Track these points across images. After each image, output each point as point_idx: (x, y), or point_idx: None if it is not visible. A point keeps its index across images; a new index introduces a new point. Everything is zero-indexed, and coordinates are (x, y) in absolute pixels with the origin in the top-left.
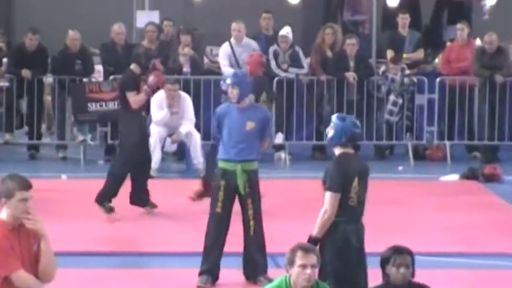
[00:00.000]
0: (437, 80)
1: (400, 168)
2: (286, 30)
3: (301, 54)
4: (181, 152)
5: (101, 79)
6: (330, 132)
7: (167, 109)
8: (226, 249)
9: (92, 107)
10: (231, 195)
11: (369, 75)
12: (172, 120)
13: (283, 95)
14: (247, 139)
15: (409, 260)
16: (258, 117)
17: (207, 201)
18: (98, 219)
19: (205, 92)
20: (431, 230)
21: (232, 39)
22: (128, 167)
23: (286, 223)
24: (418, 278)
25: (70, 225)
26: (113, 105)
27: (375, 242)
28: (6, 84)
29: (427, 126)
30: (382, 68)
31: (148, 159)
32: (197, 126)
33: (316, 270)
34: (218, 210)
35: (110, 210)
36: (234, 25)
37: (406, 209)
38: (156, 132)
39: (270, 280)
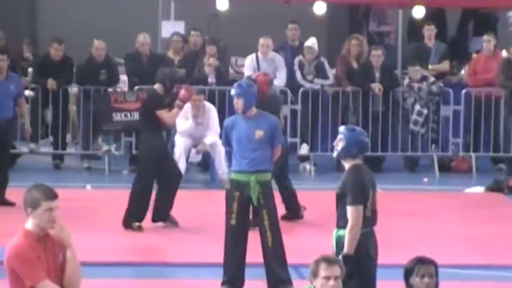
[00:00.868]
0: (463, 91)
1: (425, 180)
2: (311, 41)
3: (326, 65)
4: (206, 163)
5: (125, 89)
6: (340, 144)
7: (192, 120)
8: (252, 259)
9: (117, 117)
10: (246, 206)
11: (395, 86)
12: (197, 130)
13: (309, 106)
14: (257, 148)
15: (433, 269)
16: (266, 125)
17: None
18: (122, 230)
19: (230, 103)
20: (456, 242)
21: (259, 53)
22: (148, 188)
23: (311, 234)
24: None
25: (95, 235)
26: (137, 115)
27: (399, 254)
28: (32, 94)
29: (452, 138)
30: (406, 80)
31: (174, 176)
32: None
33: (340, 282)
34: (233, 222)
35: (139, 229)
36: (262, 40)
37: (430, 220)
38: (181, 143)
39: None
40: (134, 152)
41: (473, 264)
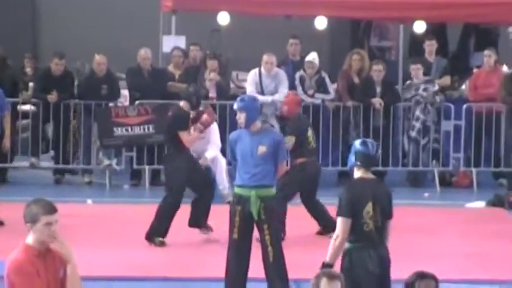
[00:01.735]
0: (464, 106)
1: (426, 194)
2: (312, 56)
3: (327, 80)
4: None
5: (127, 103)
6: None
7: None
8: (255, 274)
9: (118, 131)
10: (248, 221)
11: (396, 101)
12: (198, 145)
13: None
14: (260, 163)
15: (433, 284)
16: (269, 141)
17: None
18: (124, 245)
19: (231, 117)
20: (456, 257)
21: (262, 69)
22: (175, 207)
23: (311, 249)
24: None
25: (96, 251)
26: (138, 130)
27: (399, 269)
28: (33, 108)
29: (453, 153)
30: (408, 82)
31: (206, 184)
32: (223, 151)
33: None
34: (235, 236)
35: (161, 244)
36: (266, 58)
37: (431, 235)
38: None
39: None
40: (135, 166)
41: (474, 279)
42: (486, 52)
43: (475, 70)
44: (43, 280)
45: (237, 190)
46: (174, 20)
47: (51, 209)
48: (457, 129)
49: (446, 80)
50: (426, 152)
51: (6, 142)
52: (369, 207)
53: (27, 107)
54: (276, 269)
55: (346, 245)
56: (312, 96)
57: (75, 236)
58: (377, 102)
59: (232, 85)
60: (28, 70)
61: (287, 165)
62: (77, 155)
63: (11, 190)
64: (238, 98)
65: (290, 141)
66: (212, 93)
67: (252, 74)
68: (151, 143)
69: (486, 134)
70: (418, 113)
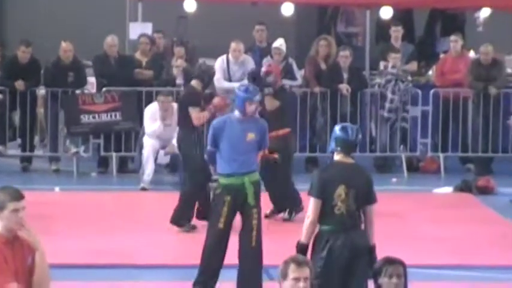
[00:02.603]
0: (431, 92)
1: (394, 180)
2: (279, 42)
3: (294, 66)
4: (175, 165)
5: (93, 91)
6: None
7: (160, 121)
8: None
9: (85, 118)
10: (235, 210)
11: (363, 88)
12: (165, 132)
13: None
14: (248, 150)
15: (401, 270)
16: (258, 128)
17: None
18: (91, 232)
19: None
20: (425, 242)
21: (229, 56)
22: (199, 186)
23: (280, 235)
24: None
25: (63, 238)
26: (105, 117)
27: None
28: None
29: (420, 138)
30: (382, 66)
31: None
32: None
33: (309, 284)
34: (220, 226)
35: (193, 228)
36: (233, 45)
37: (399, 221)
38: (149, 145)
39: None
40: (102, 153)
41: (443, 264)
42: (452, 37)
43: (441, 56)
44: (11, 267)
45: (225, 180)
46: (141, 7)
47: (18, 196)
48: (424, 115)
49: (413, 65)
50: (394, 133)
51: None
52: (341, 190)
53: None
54: (256, 254)
55: (318, 226)
56: None
57: (43, 224)
58: (344, 88)
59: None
60: None
61: None
62: (44, 143)
63: None
64: (256, 89)
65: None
66: (179, 80)
67: (220, 61)
68: (118, 130)
69: (453, 120)
70: (388, 93)
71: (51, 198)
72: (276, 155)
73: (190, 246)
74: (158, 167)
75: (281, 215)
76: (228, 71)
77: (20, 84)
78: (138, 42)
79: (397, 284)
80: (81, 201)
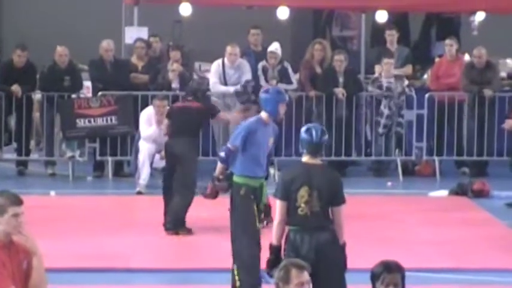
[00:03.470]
0: (426, 95)
1: (389, 184)
2: (274, 46)
3: (290, 70)
4: None
5: (89, 95)
6: None
7: (156, 125)
8: (219, 265)
9: (81, 123)
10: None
11: (358, 91)
12: (161, 136)
13: None
14: (267, 154)
15: (399, 278)
16: (274, 133)
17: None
18: (86, 236)
19: None
20: (420, 245)
21: (225, 60)
22: (193, 191)
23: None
24: None
25: (58, 242)
26: (101, 121)
27: (364, 257)
28: None
29: (416, 142)
30: (374, 76)
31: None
32: None
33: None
34: (259, 226)
35: (189, 232)
36: (229, 49)
37: (394, 224)
38: (145, 149)
39: None
40: (98, 158)
41: (438, 267)
42: (447, 41)
43: (437, 59)
44: (8, 271)
45: (247, 181)
46: (136, 11)
47: (18, 201)
48: (420, 119)
49: (408, 69)
50: (389, 138)
51: None
52: (304, 191)
53: None
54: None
55: (287, 227)
56: (275, 86)
57: (39, 228)
58: (339, 92)
59: (195, 76)
60: None
61: None
62: (40, 147)
63: None
64: (281, 90)
65: None
66: (175, 84)
67: (215, 65)
68: (114, 134)
69: (448, 123)
70: (382, 108)
71: (47, 202)
72: None
73: (185, 250)
74: (154, 171)
75: None
76: (223, 75)
77: (16, 89)
78: (133, 47)
79: None
80: (76, 205)
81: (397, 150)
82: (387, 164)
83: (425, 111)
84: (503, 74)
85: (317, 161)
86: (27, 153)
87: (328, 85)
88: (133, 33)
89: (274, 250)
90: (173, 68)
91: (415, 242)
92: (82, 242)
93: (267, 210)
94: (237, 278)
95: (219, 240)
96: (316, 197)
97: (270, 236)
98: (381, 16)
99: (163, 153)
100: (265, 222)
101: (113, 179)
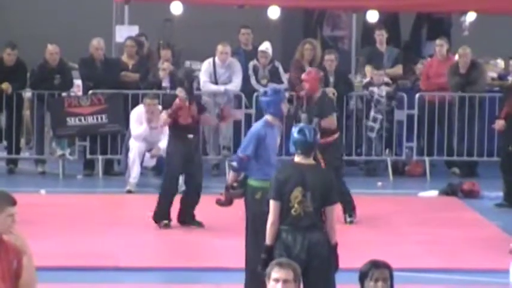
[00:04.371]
0: (417, 95)
1: (379, 184)
2: (265, 46)
3: (280, 69)
4: (160, 167)
5: (80, 93)
6: None
7: (146, 124)
8: (210, 264)
9: (71, 121)
10: None
11: (349, 91)
12: (151, 135)
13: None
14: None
15: (387, 274)
16: (280, 132)
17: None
18: (76, 234)
19: None
20: (410, 245)
21: (216, 59)
22: (174, 190)
23: None
24: None
25: (48, 240)
26: (92, 120)
27: (353, 258)
28: None
29: (406, 142)
30: (366, 80)
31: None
32: None
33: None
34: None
35: (165, 226)
36: (220, 48)
37: (384, 224)
38: (135, 147)
39: None
40: (88, 156)
41: (428, 267)
42: (438, 41)
43: (427, 60)
44: None
45: (266, 184)
46: (127, 10)
47: (14, 201)
48: (410, 119)
49: (398, 69)
50: (379, 138)
51: None
52: (297, 191)
53: None
54: None
55: (280, 227)
56: (265, 85)
57: (28, 226)
58: (330, 91)
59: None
60: None
61: None
62: (30, 145)
63: None
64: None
65: (333, 120)
66: (165, 83)
67: (206, 64)
68: (104, 133)
69: (439, 123)
70: (373, 113)
71: (37, 201)
72: None
73: (174, 249)
74: (144, 170)
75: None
76: (214, 73)
77: (6, 87)
78: (124, 45)
79: None
80: (67, 203)
81: (387, 150)
82: (377, 164)
83: (415, 111)
84: (493, 75)
85: (310, 161)
86: (17, 152)
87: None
88: (123, 32)
89: (267, 250)
90: (163, 67)
91: (404, 242)
92: (72, 240)
93: None
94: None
95: (210, 238)
96: (309, 198)
97: None
98: (372, 16)
99: (153, 151)
100: None
101: (103, 177)
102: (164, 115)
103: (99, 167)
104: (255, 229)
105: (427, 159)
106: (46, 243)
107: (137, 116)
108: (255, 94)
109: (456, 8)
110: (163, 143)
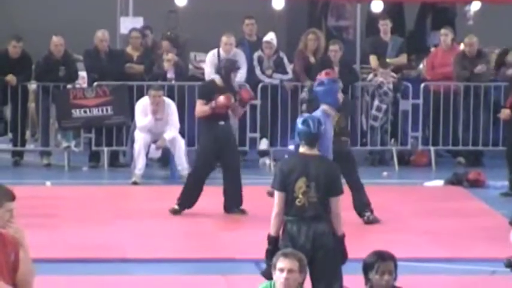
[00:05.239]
0: (422, 85)
1: (385, 173)
2: (270, 36)
3: (285, 60)
4: (166, 159)
5: (85, 85)
6: None
7: (151, 115)
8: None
9: (76, 113)
10: None
11: (354, 81)
12: (156, 126)
13: (268, 101)
14: None
15: (392, 266)
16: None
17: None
18: (81, 226)
19: (189, 98)
20: (415, 235)
21: (221, 50)
22: (204, 177)
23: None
24: (402, 283)
25: (54, 232)
26: (97, 112)
27: (359, 248)
28: None
29: (411, 132)
30: (370, 76)
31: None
32: (181, 133)
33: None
34: None
35: (174, 212)
36: (225, 39)
37: (390, 214)
38: (140, 139)
39: None
40: (94, 148)
41: (433, 257)
42: (443, 31)
43: (432, 49)
44: None
45: None
46: (132, 1)
47: (13, 196)
48: (415, 109)
49: (403, 58)
50: (385, 128)
51: None
52: (301, 182)
53: None
54: None
55: (284, 217)
56: (270, 76)
57: (34, 218)
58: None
59: (190, 66)
60: None
61: None
62: (35, 137)
63: None
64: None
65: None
66: (170, 74)
67: (210, 55)
68: (109, 125)
69: (444, 113)
70: (377, 102)
71: (43, 193)
72: None
73: (181, 241)
74: (149, 161)
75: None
76: (219, 64)
77: (11, 79)
78: (129, 37)
79: (388, 281)
80: (72, 195)
81: (392, 140)
82: (382, 154)
83: (420, 101)
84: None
85: (314, 151)
86: (23, 144)
87: None
88: (128, 23)
89: (272, 241)
90: (168, 58)
91: (410, 232)
92: (77, 232)
93: None
94: None
95: (216, 230)
96: (313, 188)
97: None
98: (376, 6)
99: (159, 143)
100: None
101: (109, 169)
102: (206, 108)
103: (105, 159)
104: None
105: (432, 148)
106: (51, 234)
107: (142, 107)
108: (260, 85)
109: None
110: (168, 134)
